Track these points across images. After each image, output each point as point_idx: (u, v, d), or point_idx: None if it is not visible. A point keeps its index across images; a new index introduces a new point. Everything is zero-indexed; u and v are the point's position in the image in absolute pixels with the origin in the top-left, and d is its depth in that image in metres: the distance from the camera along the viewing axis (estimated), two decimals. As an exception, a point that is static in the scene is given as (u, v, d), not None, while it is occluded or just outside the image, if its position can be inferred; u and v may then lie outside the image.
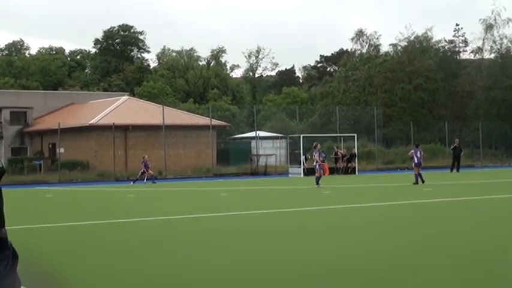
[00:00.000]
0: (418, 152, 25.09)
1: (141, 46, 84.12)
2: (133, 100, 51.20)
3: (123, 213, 16.16)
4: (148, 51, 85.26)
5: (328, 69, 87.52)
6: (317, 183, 24.56)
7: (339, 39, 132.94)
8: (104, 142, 41.39)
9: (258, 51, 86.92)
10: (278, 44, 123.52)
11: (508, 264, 7.77)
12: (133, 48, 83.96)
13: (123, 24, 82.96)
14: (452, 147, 39.21)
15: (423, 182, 24.48)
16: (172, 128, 42.44)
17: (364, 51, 67.25)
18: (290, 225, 12.58)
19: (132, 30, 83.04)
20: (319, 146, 26.52)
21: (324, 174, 38.09)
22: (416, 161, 24.97)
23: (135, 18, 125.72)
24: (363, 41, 67.33)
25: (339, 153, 40.13)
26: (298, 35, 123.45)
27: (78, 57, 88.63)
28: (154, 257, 8.82)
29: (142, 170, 33.57)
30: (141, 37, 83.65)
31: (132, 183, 32.69)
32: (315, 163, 25.51)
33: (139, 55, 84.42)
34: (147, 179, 33.08)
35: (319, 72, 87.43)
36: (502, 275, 7.07)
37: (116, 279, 7.39)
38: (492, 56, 61.19)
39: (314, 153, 25.86)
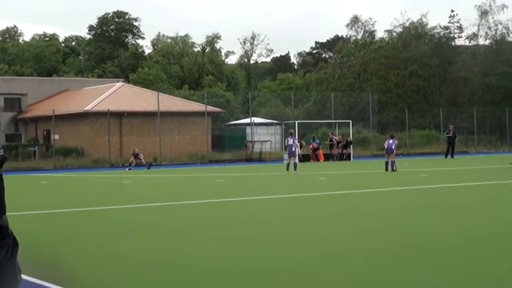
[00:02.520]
0: (391, 141, 25.43)
1: (135, 33, 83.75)
2: (128, 87, 51.03)
3: (119, 200, 16.17)
4: (143, 38, 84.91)
5: (323, 55, 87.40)
6: (294, 168, 25.02)
7: (334, 26, 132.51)
8: (99, 129, 41.32)
9: (253, 38, 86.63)
10: (273, 31, 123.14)
11: None
12: (128, 34, 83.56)
13: (117, 11, 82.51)
14: (446, 133, 39.32)
15: (392, 170, 24.68)
16: (167, 115, 42.37)
17: (359, 37, 67.15)
18: (286, 211, 12.63)
19: (126, 17, 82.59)
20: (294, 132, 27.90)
21: (318, 161, 38.50)
22: (386, 147, 25.51)
23: (130, 4, 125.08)
24: (358, 27, 67.24)
25: (333, 139, 40.22)
26: (293, 21, 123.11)
27: (72, 43, 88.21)
28: (150, 243, 8.86)
29: (130, 160, 34.01)
30: (135, 24, 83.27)
31: (127, 169, 32.94)
32: (293, 149, 25.65)
33: (134, 42, 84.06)
34: (132, 166, 33.40)
35: (314, 59, 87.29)
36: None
37: (114, 264, 7.42)
38: (487, 42, 61.26)
39: (289, 139, 26.12)
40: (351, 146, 40.03)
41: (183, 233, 9.93)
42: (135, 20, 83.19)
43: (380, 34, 67.50)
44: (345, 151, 39.68)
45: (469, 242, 8.38)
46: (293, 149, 25.46)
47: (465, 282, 6.22)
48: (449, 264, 6.88)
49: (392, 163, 25.09)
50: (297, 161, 25.83)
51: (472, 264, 6.97)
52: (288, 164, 25.39)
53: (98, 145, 40.62)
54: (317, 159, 38.59)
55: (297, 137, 36.33)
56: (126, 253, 8.13)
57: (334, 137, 40.51)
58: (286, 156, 38.81)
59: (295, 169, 25.02)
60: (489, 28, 60.26)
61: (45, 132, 45.58)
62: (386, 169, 25.01)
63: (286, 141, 26.49)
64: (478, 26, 60.49)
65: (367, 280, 6.29)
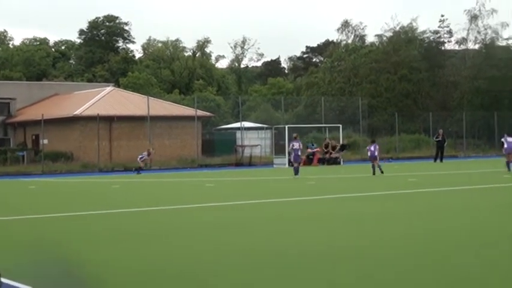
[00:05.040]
0: (373, 147, 26.23)
1: (126, 37, 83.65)
2: (118, 91, 50.90)
3: (107, 204, 16.08)
4: (134, 42, 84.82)
5: (314, 59, 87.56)
6: (295, 173, 25.14)
7: (325, 30, 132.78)
8: (88, 133, 41.15)
9: (243, 42, 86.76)
10: (264, 35, 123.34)
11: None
12: (118, 39, 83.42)
13: (108, 15, 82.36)
14: (436, 137, 39.43)
15: (381, 172, 25.38)
16: (158, 119, 42.28)
17: (349, 41, 67.24)
18: (273, 215, 12.60)
19: (117, 21, 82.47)
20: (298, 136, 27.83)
21: (311, 165, 38.38)
22: (369, 154, 26.45)
23: (121, 9, 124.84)
24: (349, 32, 67.28)
25: (329, 144, 39.76)
26: (284, 25, 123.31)
27: (62, 48, 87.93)
28: (136, 248, 8.81)
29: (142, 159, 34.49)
30: (126, 28, 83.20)
31: (136, 173, 32.87)
32: (299, 153, 25.78)
33: (124, 46, 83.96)
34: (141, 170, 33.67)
35: (304, 63, 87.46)
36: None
37: (105, 267, 7.37)
38: (476, 46, 61.40)
39: (294, 142, 26.10)
40: (345, 150, 40.35)
41: (170, 238, 9.88)
42: (126, 24, 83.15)
43: (370, 38, 67.70)
44: (336, 155, 39.45)
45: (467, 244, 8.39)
46: (299, 153, 25.62)
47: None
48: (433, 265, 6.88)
49: (379, 166, 25.82)
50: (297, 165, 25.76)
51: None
52: (296, 169, 25.37)
53: (87, 150, 40.44)
54: (310, 163, 38.28)
55: (287, 141, 36.41)
56: (106, 261, 8.07)
57: (331, 141, 40.11)
58: (277, 160, 38.93)
59: (296, 173, 25.02)
60: (478, 32, 60.43)
61: (33, 137, 45.35)
62: (374, 173, 25.38)
63: (292, 145, 26.42)
64: (468, 30, 60.66)
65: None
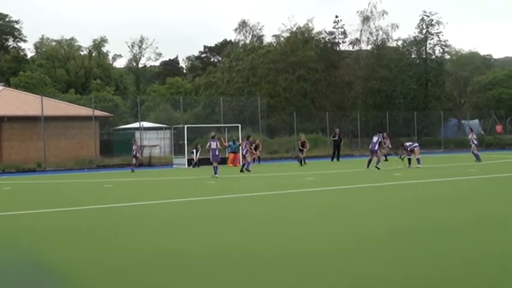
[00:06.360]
0: (245, 144, 28.76)
1: (17, 35, 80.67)
2: (9, 91, 48.94)
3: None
4: (25, 41, 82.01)
5: (212, 59, 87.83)
6: (214, 172, 25.33)
7: (223, 30, 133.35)
8: (-23, 134, 39.36)
9: (141, 41, 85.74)
10: (161, 34, 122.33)
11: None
12: (8, 37, 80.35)
13: (-4, 13, 79.26)
14: (332, 137, 40.39)
15: (247, 171, 27.99)
16: (52, 119, 41.01)
17: (247, 41, 67.84)
18: (171, 216, 12.56)
19: (7, 19, 79.40)
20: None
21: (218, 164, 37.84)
22: (244, 152, 29.20)
23: (11, 7, 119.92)
24: (246, 32, 67.94)
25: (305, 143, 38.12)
26: (182, 25, 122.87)
27: None
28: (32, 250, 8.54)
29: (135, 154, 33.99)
30: (17, 26, 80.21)
31: (131, 170, 32.61)
32: (217, 152, 25.84)
33: (15, 45, 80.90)
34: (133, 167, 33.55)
35: (203, 63, 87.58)
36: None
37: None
38: (369, 47, 63.44)
39: (211, 142, 26.02)
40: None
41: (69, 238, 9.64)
42: (17, 22, 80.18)
43: (268, 39, 68.52)
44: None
45: (355, 243, 8.68)
46: (216, 153, 25.48)
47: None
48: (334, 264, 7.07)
49: (248, 164, 28.25)
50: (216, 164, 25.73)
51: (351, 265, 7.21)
52: (216, 168, 25.28)
53: (-24, 151, 38.67)
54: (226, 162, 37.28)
55: (186, 141, 36.14)
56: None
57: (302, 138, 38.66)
58: (176, 160, 38.65)
59: (215, 173, 24.94)
60: (371, 33, 62.48)
61: None
62: (248, 169, 28.06)
63: (209, 144, 26.17)
64: (361, 31, 62.61)
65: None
